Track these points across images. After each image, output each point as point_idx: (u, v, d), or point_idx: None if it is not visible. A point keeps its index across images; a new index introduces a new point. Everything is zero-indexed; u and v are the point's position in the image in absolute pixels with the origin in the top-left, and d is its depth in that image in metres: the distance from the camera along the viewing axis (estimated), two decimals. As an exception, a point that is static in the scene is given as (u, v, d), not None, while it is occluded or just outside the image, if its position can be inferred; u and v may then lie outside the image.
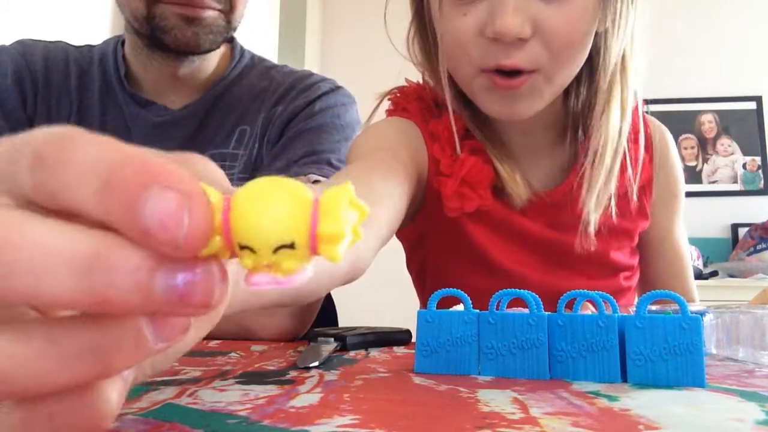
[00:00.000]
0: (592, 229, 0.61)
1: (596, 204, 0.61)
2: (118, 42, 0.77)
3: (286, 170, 0.67)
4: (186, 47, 0.67)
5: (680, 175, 0.71)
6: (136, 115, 0.74)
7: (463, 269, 0.66)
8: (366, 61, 2.97)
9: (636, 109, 0.63)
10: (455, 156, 0.62)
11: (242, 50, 0.80)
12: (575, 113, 0.65)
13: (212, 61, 0.75)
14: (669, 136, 0.72)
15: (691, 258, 0.75)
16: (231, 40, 0.79)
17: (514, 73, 0.55)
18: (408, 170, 0.58)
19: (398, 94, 0.69)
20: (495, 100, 0.57)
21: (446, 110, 0.62)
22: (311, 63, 2.73)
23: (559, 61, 0.55)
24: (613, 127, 0.60)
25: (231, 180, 0.72)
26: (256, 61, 0.80)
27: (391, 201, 0.53)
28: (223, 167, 0.72)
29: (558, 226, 0.65)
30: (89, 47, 0.79)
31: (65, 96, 0.74)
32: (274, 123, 0.73)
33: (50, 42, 0.77)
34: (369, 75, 2.87)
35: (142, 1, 0.64)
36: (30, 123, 0.72)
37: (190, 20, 0.65)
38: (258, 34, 2.40)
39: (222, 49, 0.76)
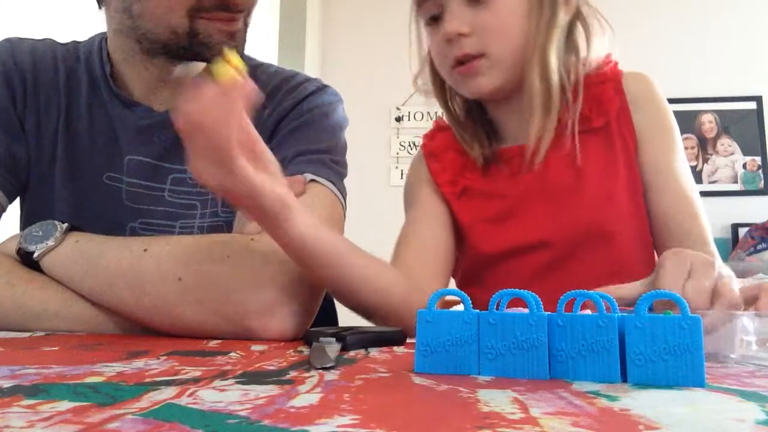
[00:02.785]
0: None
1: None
2: (102, 40, 0.74)
3: (280, 168, 0.66)
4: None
5: (666, 113, 0.81)
6: (121, 116, 0.72)
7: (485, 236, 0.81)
8: (366, 61, 2.98)
9: (607, 64, 0.80)
10: (445, 159, 0.83)
11: None
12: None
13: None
14: (648, 80, 0.83)
15: (701, 203, 0.79)
16: None
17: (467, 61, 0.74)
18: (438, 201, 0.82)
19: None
20: (464, 84, 0.76)
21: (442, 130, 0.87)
22: (311, 63, 2.72)
23: (495, 47, 0.73)
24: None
25: None
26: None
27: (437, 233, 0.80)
28: None
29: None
30: (75, 44, 0.76)
31: (54, 95, 0.72)
32: (261, 126, 0.71)
33: (37, 40, 0.75)
34: (369, 75, 2.88)
35: (186, 17, 0.61)
36: (20, 123, 0.71)
37: (231, 35, 0.63)
38: (258, 34, 2.40)
39: None
